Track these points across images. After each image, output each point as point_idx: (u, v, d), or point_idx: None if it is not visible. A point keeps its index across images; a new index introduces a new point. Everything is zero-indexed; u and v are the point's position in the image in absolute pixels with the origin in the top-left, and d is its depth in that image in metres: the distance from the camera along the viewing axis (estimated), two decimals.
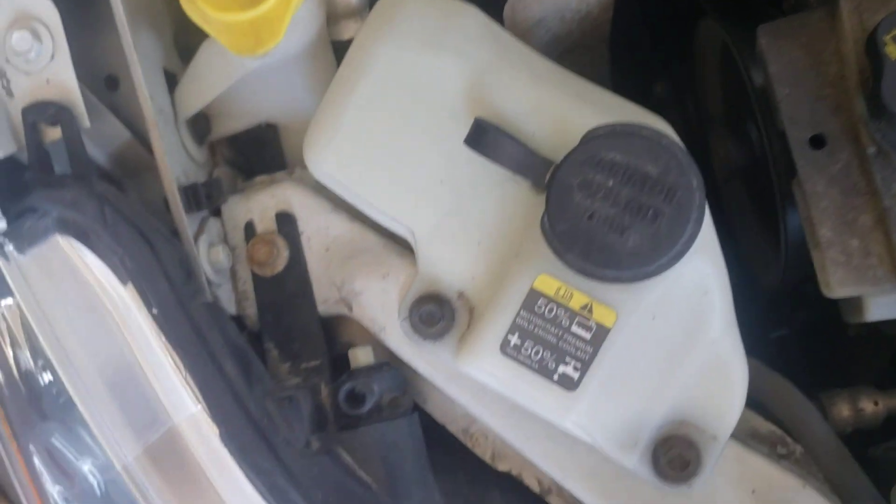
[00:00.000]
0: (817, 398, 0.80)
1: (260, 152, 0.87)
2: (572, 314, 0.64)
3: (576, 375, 0.64)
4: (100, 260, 0.65)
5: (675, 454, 0.65)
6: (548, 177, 0.63)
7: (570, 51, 0.89)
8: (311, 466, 0.65)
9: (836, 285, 0.70)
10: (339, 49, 0.80)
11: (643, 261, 0.61)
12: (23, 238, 0.66)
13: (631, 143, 0.61)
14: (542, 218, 0.62)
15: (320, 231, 0.77)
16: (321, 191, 0.77)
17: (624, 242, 0.61)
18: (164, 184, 0.72)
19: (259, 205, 0.78)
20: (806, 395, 0.77)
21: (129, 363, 0.64)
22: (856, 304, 0.76)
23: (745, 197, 0.97)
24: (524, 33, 0.82)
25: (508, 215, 0.68)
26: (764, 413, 0.75)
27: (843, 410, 0.80)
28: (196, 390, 0.64)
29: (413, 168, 0.69)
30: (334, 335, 0.79)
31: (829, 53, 0.70)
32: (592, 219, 0.61)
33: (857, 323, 0.79)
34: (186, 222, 0.73)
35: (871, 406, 0.80)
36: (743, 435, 0.73)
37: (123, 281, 0.65)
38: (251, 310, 0.78)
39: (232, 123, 0.83)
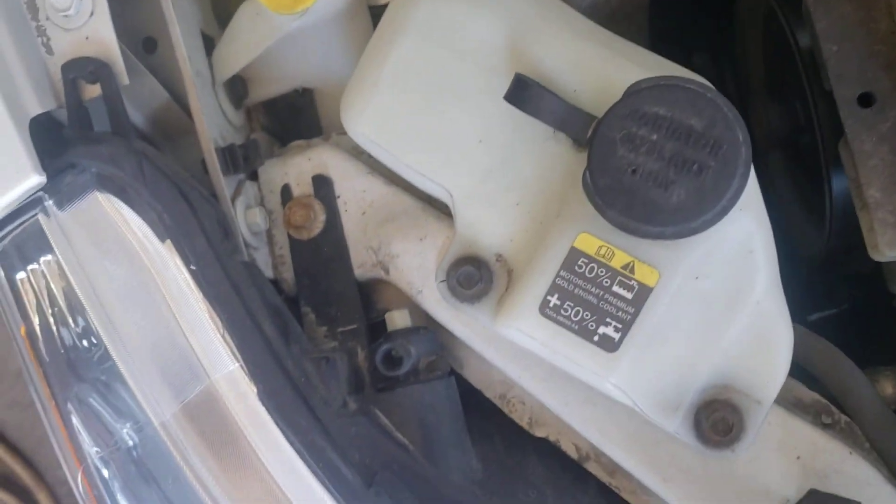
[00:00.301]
0: None
1: (296, 119, 0.86)
2: (614, 273, 0.63)
3: (616, 336, 0.63)
4: (138, 216, 0.65)
5: (717, 418, 0.64)
6: (590, 132, 0.62)
7: (609, 19, 0.87)
8: (348, 426, 0.65)
9: (885, 247, 0.68)
10: (376, 16, 0.79)
11: (688, 216, 0.59)
12: (62, 194, 0.66)
13: (675, 96, 0.60)
14: (584, 174, 0.61)
15: (357, 194, 0.77)
16: (358, 155, 0.77)
17: (668, 197, 0.59)
18: (201, 144, 0.72)
19: (296, 168, 0.78)
20: None
21: (167, 319, 0.64)
22: None
23: (786, 168, 0.95)
24: None
25: (548, 174, 0.67)
26: (808, 382, 0.73)
27: (887, 388, 0.79)
28: (234, 347, 0.64)
29: (451, 127, 0.68)
30: (371, 300, 0.78)
31: (880, 9, 0.68)
32: (636, 174, 0.60)
33: None
34: (224, 183, 0.73)
35: None
36: (786, 404, 0.71)
37: (162, 237, 0.65)
38: (288, 274, 0.78)
39: (269, 87, 0.82)
